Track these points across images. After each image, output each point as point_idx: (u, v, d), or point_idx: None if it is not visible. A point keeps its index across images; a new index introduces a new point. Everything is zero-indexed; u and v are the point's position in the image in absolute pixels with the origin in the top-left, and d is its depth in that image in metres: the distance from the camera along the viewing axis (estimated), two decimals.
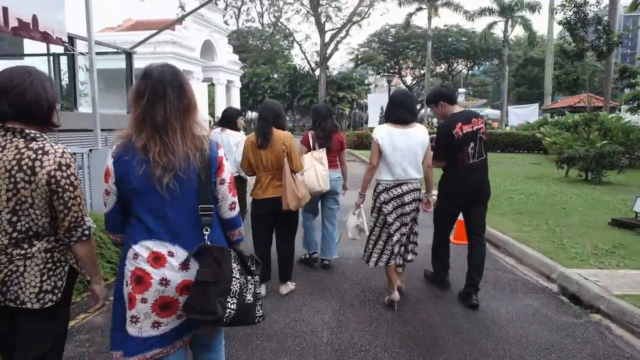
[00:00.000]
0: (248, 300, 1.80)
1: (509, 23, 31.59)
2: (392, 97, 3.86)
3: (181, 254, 1.74)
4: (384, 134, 3.67)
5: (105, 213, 1.85)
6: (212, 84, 27.81)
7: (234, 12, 47.93)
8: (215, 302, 1.69)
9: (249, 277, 1.86)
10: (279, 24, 47.68)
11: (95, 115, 4.92)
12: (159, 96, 1.72)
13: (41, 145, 1.75)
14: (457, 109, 3.96)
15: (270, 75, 45.62)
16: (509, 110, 31.38)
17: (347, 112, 45.75)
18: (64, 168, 1.75)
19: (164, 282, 1.72)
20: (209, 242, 1.76)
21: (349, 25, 43.08)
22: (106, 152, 4.66)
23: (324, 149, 4.52)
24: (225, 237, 1.93)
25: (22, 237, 1.77)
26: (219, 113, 27.83)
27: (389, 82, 26.01)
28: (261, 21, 48.74)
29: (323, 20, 42.88)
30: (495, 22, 32.41)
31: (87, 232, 1.84)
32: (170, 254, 1.73)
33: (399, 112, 3.68)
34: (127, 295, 1.77)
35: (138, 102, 1.73)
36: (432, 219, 4.27)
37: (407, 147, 3.63)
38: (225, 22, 45.43)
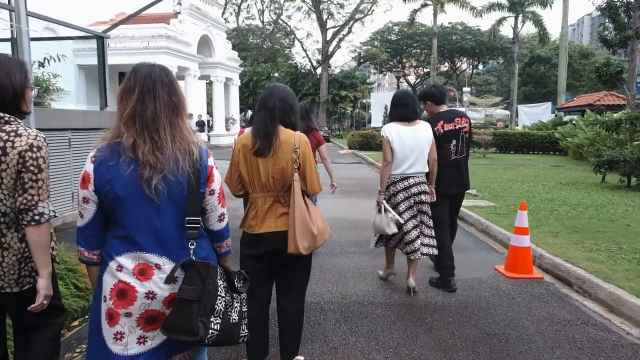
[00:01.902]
0: (233, 319, 1.73)
1: (519, 19, 30.33)
2: (394, 98, 4.04)
3: (169, 266, 1.66)
4: (393, 131, 3.87)
5: (80, 226, 1.70)
6: (210, 82, 26.57)
7: (234, 10, 46.83)
8: (197, 322, 1.59)
9: (235, 295, 1.79)
10: (280, 21, 46.59)
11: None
12: (149, 92, 1.66)
13: (15, 128, 1.83)
14: (442, 108, 4.29)
15: (271, 74, 44.50)
16: (519, 109, 30.14)
17: (349, 111, 44.60)
18: (34, 149, 1.82)
19: (151, 295, 1.64)
20: (194, 257, 1.67)
21: (351, 22, 42.07)
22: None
23: None
24: (212, 249, 1.86)
25: (5, 222, 1.86)
26: (217, 112, 26.75)
27: (398, 78, 24.87)
28: (262, 19, 47.62)
29: (325, 17, 41.92)
30: (504, 18, 31.18)
31: (37, 217, 1.81)
32: (158, 267, 1.65)
33: (403, 111, 3.89)
34: (105, 313, 1.66)
35: (127, 98, 1.66)
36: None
37: (414, 142, 3.84)
38: (225, 20, 44.35)
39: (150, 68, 1.72)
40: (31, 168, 1.80)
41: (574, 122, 18.09)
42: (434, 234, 4.01)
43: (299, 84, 43.08)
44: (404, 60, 49.48)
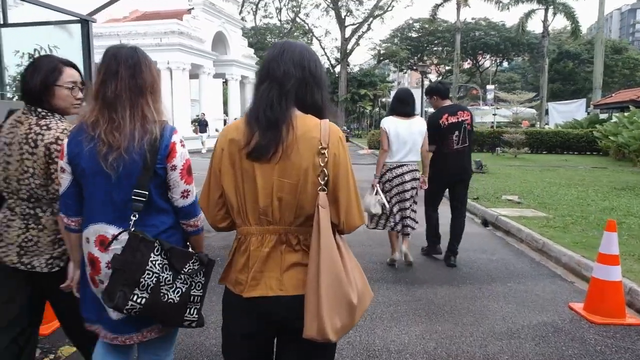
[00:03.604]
0: (169, 299, 1.67)
1: (549, 11, 28.72)
2: (397, 94, 4.66)
3: (126, 237, 1.66)
4: (391, 123, 4.41)
5: (60, 194, 1.78)
6: (225, 80, 25.71)
7: (252, 8, 46.09)
8: (118, 290, 1.61)
9: (183, 276, 1.71)
10: (298, 19, 45.62)
11: None
12: (112, 73, 1.68)
13: (47, 122, 1.94)
14: (447, 102, 4.78)
15: None
16: (550, 106, 28.49)
17: (368, 110, 43.40)
18: (59, 142, 1.89)
19: (109, 264, 1.68)
20: (132, 229, 1.66)
21: (370, 19, 40.94)
22: None
23: None
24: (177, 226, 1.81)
25: (29, 205, 1.96)
26: (233, 111, 25.90)
27: (423, 74, 23.73)
28: (279, 17, 46.73)
29: (343, 14, 40.87)
30: (533, 11, 29.61)
31: None
32: (115, 237, 1.68)
33: (403, 106, 4.45)
34: (89, 277, 1.77)
35: (96, 78, 1.70)
36: (424, 196, 4.81)
37: (408, 134, 4.37)
38: (243, 19, 43.67)
39: (117, 50, 1.73)
40: (56, 160, 1.87)
41: (615, 119, 16.58)
42: (414, 211, 4.59)
43: None
44: (425, 57, 48.02)
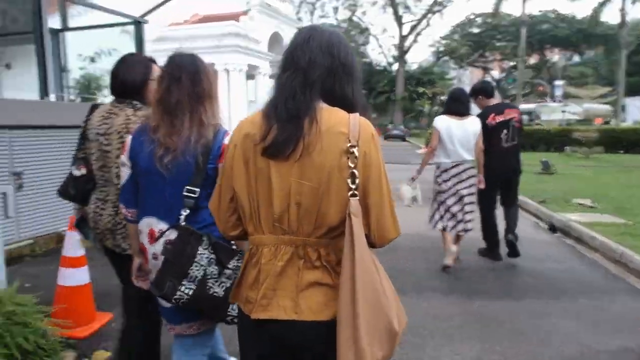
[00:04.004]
0: (214, 292, 1.74)
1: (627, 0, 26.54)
2: (451, 93, 4.76)
3: (173, 232, 1.77)
4: (443, 123, 4.37)
5: (120, 186, 1.91)
6: None
7: (309, 9, 46.28)
8: (168, 280, 1.69)
9: (228, 272, 1.76)
10: (354, 18, 45.26)
11: None
12: (175, 81, 1.78)
13: (145, 113, 2.02)
14: (493, 101, 4.79)
15: None
16: (628, 102, 26.31)
17: (426, 109, 42.28)
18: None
19: (155, 256, 1.82)
20: (183, 223, 1.76)
21: (429, 15, 39.79)
22: None
23: None
24: None
25: None
26: None
27: (484, 70, 22.68)
28: (336, 16, 46.59)
29: (401, 11, 40.07)
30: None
31: None
32: (164, 232, 1.79)
33: (457, 105, 4.40)
34: (136, 264, 1.95)
35: (159, 85, 1.83)
36: (477, 198, 4.54)
37: (461, 134, 4.31)
38: (299, 19, 43.94)
39: (180, 58, 1.83)
40: None
41: None
42: (473, 212, 4.48)
43: (374, 81, 41.75)
44: (487, 53, 46.03)
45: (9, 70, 12.21)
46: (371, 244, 1.25)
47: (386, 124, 38.31)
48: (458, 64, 47.81)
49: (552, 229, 6.23)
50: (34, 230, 4.63)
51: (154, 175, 1.77)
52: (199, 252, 1.71)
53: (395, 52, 42.67)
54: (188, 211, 1.75)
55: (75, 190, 2.22)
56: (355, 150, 1.19)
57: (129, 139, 1.86)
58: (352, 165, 1.19)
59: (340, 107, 1.28)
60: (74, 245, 3.03)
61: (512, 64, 44.24)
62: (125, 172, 1.86)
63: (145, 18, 6.51)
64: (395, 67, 41.42)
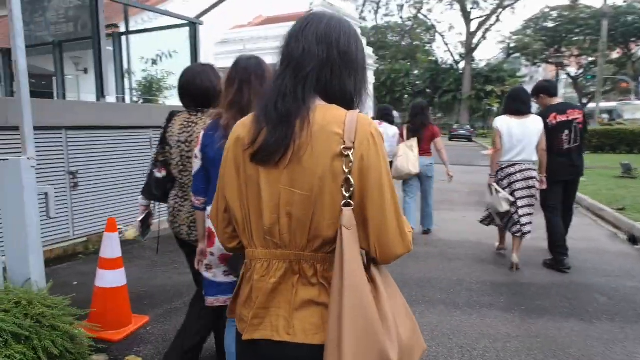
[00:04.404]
0: None
1: None
2: (510, 93, 4.66)
3: None
4: (503, 123, 4.36)
5: (192, 175, 2.09)
6: None
7: (373, 7, 45.83)
8: (241, 263, 1.46)
9: None
10: (420, 15, 44.23)
11: (23, 105, 2.67)
12: (246, 83, 1.92)
13: (215, 112, 2.13)
14: (555, 101, 4.62)
15: (410, 71, 42.39)
16: None
17: (495, 108, 40.35)
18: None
19: None
20: None
21: (499, 10, 38.01)
22: (20, 163, 2.52)
23: (415, 138, 5.48)
24: None
25: None
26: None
27: (559, 65, 21.29)
28: (401, 15, 45.82)
29: (469, 7, 38.59)
30: None
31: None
32: None
33: (517, 105, 4.35)
34: (199, 249, 2.16)
35: (229, 88, 1.95)
36: (540, 203, 4.50)
37: (521, 133, 4.27)
38: (363, 18, 43.63)
39: (247, 61, 1.97)
40: None
41: None
42: (531, 214, 4.36)
43: (440, 80, 40.58)
44: (563, 49, 43.16)
45: (86, 74, 12.99)
46: (374, 261, 1.12)
47: (452, 124, 37.03)
48: (530, 60, 45.23)
49: (633, 240, 5.56)
50: (88, 228, 4.77)
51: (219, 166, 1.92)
52: None
53: (462, 50, 41.20)
54: None
55: (158, 190, 2.47)
56: (350, 153, 1.04)
57: (201, 134, 2.04)
58: (347, 171, 1.04)
59: (340, 105, 1.13)
60: (111, 246, 3.02)
61: (591, 59, 41.20)
62: (197, 164, 2.05)
63: (202, 20, 6.57)
64: (462, 65, 39.94)
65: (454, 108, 41.17)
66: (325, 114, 1.09)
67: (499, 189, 4.41)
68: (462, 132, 32.77)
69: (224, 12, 22.20)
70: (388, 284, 1.15)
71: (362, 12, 43.34)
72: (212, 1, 6.81)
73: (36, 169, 4.26)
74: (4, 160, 2.54)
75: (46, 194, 2.99)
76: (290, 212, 1.08)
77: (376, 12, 46.60)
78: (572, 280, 4.15)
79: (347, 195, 1.05)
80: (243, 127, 1.17)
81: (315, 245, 1.09)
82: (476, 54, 40.79)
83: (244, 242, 1.19)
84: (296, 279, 1.11)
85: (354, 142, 1.05)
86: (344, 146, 1.04)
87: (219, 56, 22.14)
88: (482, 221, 4.81)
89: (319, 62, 1.11)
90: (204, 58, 6.77)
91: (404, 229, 1.11)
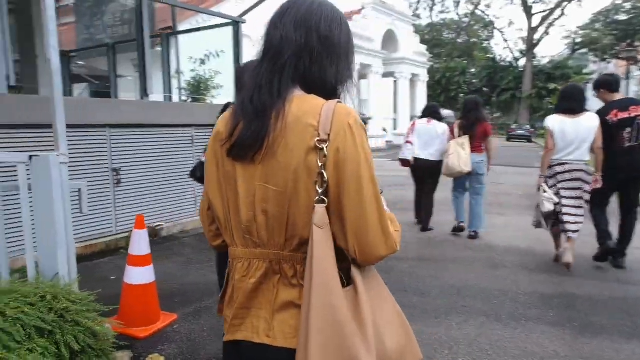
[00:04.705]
0: None
1: None
2: (562, 91, 4.49)
3: None
4: (555, 122, 4.24)
5: None
6: (395, 79, 25.26)
7: (428, 5, 44.82)
8: None
9: None
10: (477, 11, 42.73)
11: (55, 102, 2.71)
12: None
13: None
14: (617, 96, 4.43)
15: (466, 69, 41.07)
16: None
17: None
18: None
19: None
20: None
21: (564, 3, 35.95)
22: (49, 160, 2.52)
23: (467, 136, 5.34)
24: None
25: None
26: (402, 110, 25.39)
27: (630, 60, 19.93)
28: (457, 11, 44.51)
29: (531, 1, 36.74)
30: None
31: None
32: None
33: (569, 103, 4.22)
34: None
35: None
36: (590, 197, 4.25)
37: (574, 133, 4.13)
38: (418, 16, 42.75)
39: None
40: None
41: None
42: (579, 215, 4.21)
43: (498, 78, 39.05)
44: (637, 43, 40.20)
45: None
46: (354, 261, 1.04)
47: (510, 124, 35.48)
48: (599, 56, 42.51)
49: None
50: (130, 224, 4.88)
51: None
52: None
53: (522, 46, 39.38)
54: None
55: (201, 173, 2.57)
56: (324, 146, 0.97)
57: None
58: (320, 165, 0.98)
59: (321, 94, 1.06)
60: (139, 243, 3.02)
61: None
62: None
63: (245, 19, 6.59)
64: (522, 62, 38.17)
65: (513, 107, 39.45)
66: (301, 105, 1.02)
67: (546, 188, 4.33)
68: (520, 132, 31.34)
69: (267, 10, 22.47)
70: (372, 286, 1.07)
71: (416, 9, 42.51)
72: (257, 0, 6.80)
73: (80, 166, 4.42)
74: (35, 156, 2.58)
75: (79, 190, 3.04)
76: (266, 209, 1.03)
77: (431, 10, 45.70)
78: (637, 296, 3.75)
79: (320, 191, 0.98)
80: (223, 121, 1.12)
81: (294, 245, 1.03)
82: (538, 50, 38.90)
83: (227, 240, 1.15)
84: (277, 279, 1.06)
85: (329, 134, 0.98)
86: (318, 138, 0.98)
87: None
88: (536, 225, 4.60)
89: (296, 48, 1.04)
90: (247, 57, 6.81)
91: (387, 228, 1.02)
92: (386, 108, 24.37)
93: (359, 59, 20.14)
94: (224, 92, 8.87)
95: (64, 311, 2.45)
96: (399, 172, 7.25)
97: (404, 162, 5.82)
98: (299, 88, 1.05)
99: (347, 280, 1.03)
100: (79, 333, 2.43)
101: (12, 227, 3.41)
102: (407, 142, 5.79)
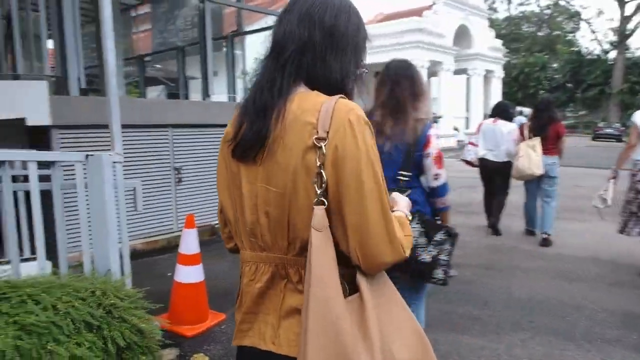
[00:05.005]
0: (423, 258, 2.05)
1: None
2: None
3: None
4: None
5: None
6: (468, 76, 24.23)
7: None
8: None
9: (434, 243, 2.07)
10: (561, 2, 39.98)
11: (111, 103, 2.79)
12: (395, 84, 2.14)
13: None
14: None
15: (547, 64, 38.58)
16: None
17: None
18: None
19: None
20: None
21: None
22: (102, 159, 2.58)
23: (538, 137, 5.06)
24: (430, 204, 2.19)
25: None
26: (475, 108, 24.29)
27: None
28: (538, 3, 41.92)
29: None
30: None
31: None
32: None
33: None
34: None
35: (381, 88, 2.18)
36: None
37: None
38: (494, 9, 40.79)
39: (398, 64, 2.21)
40: None
41: None
42: None
43: (584, 72, 36.35)
44: None
45: (215, 77, 14.02)
46: (358, 268, 0.97)
47: (596, 122, 32.81)
48: None
49: None
50: None
51: None
52: (411, 225, 1.91)
53: (613, 37, 36.27)
54: (407, 191, 2.02)
55: None
56: (323, 144, 0.92)
57: None
58: (319, 164, 0.92)
59: (325, 91, 1.00)
60: (188, 242, 3.05)
61: None
62: None
63: None
64: (613, 55, 35.17)
65: (600, 104, 36.47)
66: (302, 102, 0.98)
67: (609, 186, 4.25)
68: (609, 130, 28.89)
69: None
70: (383, 293, 1.00)
71: (493, 2, 40.57)
72: None
73: (144, 165, 4.59)
74: (90, 155, 2.67)
75: (134, 188, 3.12)
76: (268, 212, 0.99)
77: (509, 2, 43.26)
78: None
79: (319, 192, 0.92)
80: (231, 122, 1.09)
81: (297, 249, 0.99)
82: (631, 42, 35.63)
83: (237, 243, 1.12)
84: (284, 284, 1.02)
85: (328, 132, 0.92)
86: (316, 136, 0.93)
87: None
88: (621, 230, 4.27)
89: (300, 44, 1.00)
90: None
91: (392, 231, 0.94)
92: (458, 106, 23.46)
93: (429, 56, 19.55)
94: None
95: (112, 307, 2.50)
96: (468, 173, 6.89)
97: (469, 163, 5.64)
98: (303, 85, 1.01)
99: (353, 287, 0.97)
100: (125, 329, 2.47)
101: (76, 223, 3.59)
102: (470, 143, 5.68)
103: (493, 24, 31.55)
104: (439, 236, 2.07)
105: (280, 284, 1.02)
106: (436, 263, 2.07)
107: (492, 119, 5.54)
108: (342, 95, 0.99)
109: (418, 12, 20.50)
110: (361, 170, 0.92)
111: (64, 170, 3.46)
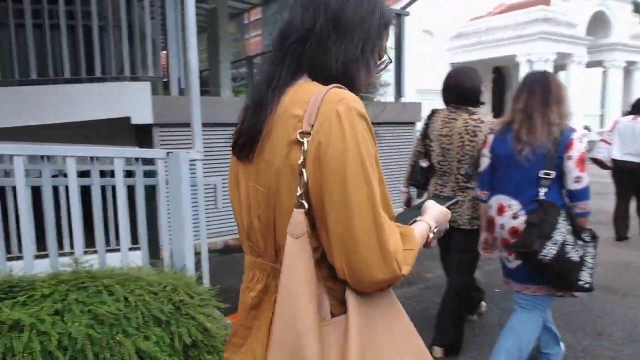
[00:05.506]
0: (571, 256, 2.02)
1: None
2: None
3: (516, 206, 2.21)
4: None
5: (479, 172, 2.47)
6: (604, 68, 21.49)
7: None
8: (535, 238, 2.02)
9: (581, 242, 2.07)
10: None
11: (192, 102, 2.86)
12: (531, 93, 2.22)
13: (479, 117, 2.65)
14: None
15: None
16: None
17: None
18: (491, 133, 2.48)
19: (502, 226, 2.26)
20: (543, 198, 2.12)
21: None
22: (179, 156, 2.66)
23: None
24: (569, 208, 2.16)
25: (464, 179, 2.68)
26: (612, 104, 21.47)
27: None
28: None
29: None
30: None
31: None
32: (510, 206, 2.23)
33: None
34: (483, 238, 2.47)
35: (518, 98, 2.27)
36: None
37: None
38: None
39: (533, 75, 2.33)
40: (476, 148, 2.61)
41: None
42: None
43: None
44: None
45: None
46: (347, 284, 0.87)
47: None
48: None
49: None
50: None
51: (510, 163, 2.21)
52: (559, 222, 2.04)
53: None
54: (545, 189, 2.12)
55: (422, 177, 2.85)
56: (306, 139, 0.83)
57: (490, 137, 2.39)
58: (300, 162, 0.84)
59: (325, 82, 0.90)
60: None
61: None
62: (485, 162, 2.38)
63: (408, 10, 6.24)
64: None
65: None
66: (294, 94, 0.89)
67: None
68: None
69: (462, 3, 21.34)
70: (382, 314, 0.89)
71: None
72: None
73: (218, 163, 4.67)
74: (171, 152, 2.74)
75: (215, 185, 3.16)
76: (259, 214, 0.93)
77: None
78: None
79: (299, 193, 0.83)
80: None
81: (282, 256, 0.90)
82: None
83: (242, 247, 1.07)
84: (274, 298, 0.92)
85: (312, 125, 0.83)
86: (300, 130, 0.84)
87: (451, 51, 21.39)
88: None
89: (302, 32, 0.91)
90: (415, 53, 6.47)
91: (384, 244, 0.82)
92: (591, 103, 20.94)
93: (555, 48, 17.73)
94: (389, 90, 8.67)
95: (181, 303, 2.53)
96: (599, 178, 6.03)
97: (599, 163, 5.04)
98: (306, 76, 0.93)
99: (341, 305, 0.87)
100: (192, 327, 2.49)
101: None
102: (602, 140, 5.10)
103: (638, 8, 27.56)
104: (586, 237, 2.10)
105: (272, 298, 0.92)
106: (583, 264, 2.06)
107: (631, 116, 4.95)
108: (338, 85, 0.87)
109: (545, 1, 18.70)
110: (347, 171, 0.80)
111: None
